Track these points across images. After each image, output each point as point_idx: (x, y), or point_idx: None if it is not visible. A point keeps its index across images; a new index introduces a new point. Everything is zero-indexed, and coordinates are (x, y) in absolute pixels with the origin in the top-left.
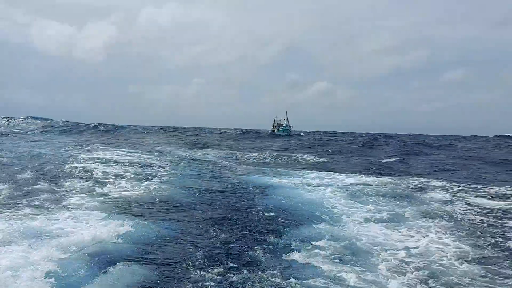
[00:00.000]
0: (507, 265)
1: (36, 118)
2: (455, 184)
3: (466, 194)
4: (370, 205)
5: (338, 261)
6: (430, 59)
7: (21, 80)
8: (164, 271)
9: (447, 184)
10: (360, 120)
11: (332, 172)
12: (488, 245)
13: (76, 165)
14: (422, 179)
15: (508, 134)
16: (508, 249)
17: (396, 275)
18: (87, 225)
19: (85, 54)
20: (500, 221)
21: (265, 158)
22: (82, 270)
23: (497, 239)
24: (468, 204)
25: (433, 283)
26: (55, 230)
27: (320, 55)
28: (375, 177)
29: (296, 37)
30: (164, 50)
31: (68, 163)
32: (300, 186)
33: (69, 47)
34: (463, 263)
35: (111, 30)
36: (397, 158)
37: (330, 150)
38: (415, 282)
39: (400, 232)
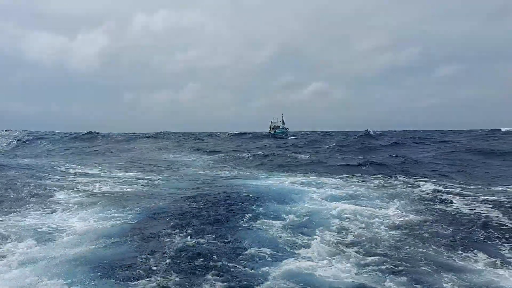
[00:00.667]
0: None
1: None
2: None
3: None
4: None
5: (293, 228)
6: (424, 55)
7: (14, 92)
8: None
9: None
10: (357, 119)
11: (314, 172)
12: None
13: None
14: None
15: (501, 128)
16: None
17: (340, 238)
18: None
19: (79, 64)
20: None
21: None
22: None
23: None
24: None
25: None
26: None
27: (314, 56)
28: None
29: (290, 39)
30: (158, 56)
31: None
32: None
33: (62, 58)
34: (396, 229)
35: (104, 39)
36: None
37: (324, 147)
38: (355, 241)
39: (359, 206)
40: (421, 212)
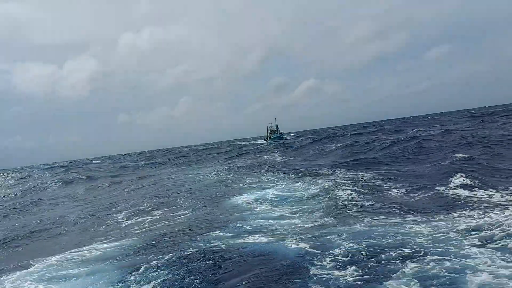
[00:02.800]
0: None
1: None
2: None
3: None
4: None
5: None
6: (412, 40)
7: (10, 127)
8: None
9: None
10: (352, 111)
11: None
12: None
13: None
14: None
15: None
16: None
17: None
18: None
19: (70, 91)
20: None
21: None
22: None
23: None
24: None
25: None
26: None
27: (302, 54)
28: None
29: (276, 41)
30: (148, 74)
31: None
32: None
33: (52, 86)
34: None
35: (92, 63)
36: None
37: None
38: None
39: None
40: None
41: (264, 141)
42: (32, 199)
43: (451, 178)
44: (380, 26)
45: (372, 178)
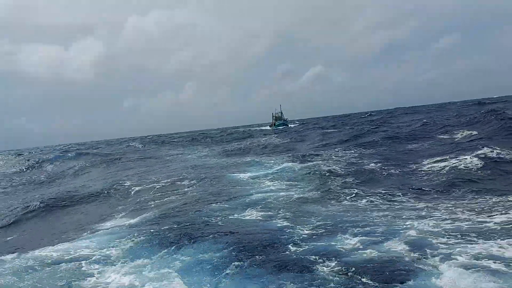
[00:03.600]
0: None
1: None
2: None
3: None
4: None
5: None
6: (422, 28)
7: (16, 108)
8: None
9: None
10: (359, 99)
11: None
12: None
13: None
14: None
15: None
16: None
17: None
18: None
19: (75, 73)
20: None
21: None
22: None
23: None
24: None
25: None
26: None
27: (310, 42)
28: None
29: (285, 26)
30: (154, 58)
31: None
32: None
33: (58, 69)
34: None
35: (98, 46)
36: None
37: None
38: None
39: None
40: None
41: (269, 128)
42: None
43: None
44: (389, 14)
45: (358, 155)
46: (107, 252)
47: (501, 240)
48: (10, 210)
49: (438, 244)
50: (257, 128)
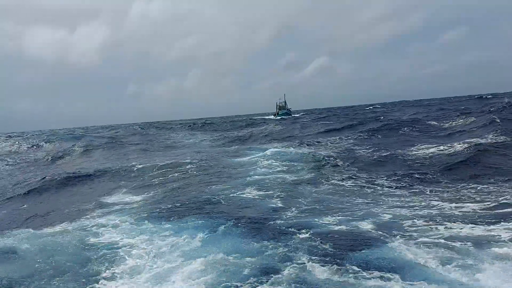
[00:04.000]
0: None
1: None
2: None
3: None
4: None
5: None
6: (428, 20)
7: (20, 91)
8: None
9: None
10: (363, 92)
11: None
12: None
13: None
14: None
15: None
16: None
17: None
18: None
19: (80, 57)
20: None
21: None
22: None
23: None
24: None
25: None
26: None
27: (314, 32)
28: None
29: (290, 15)
30: (159, 45)
31: None
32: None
33: (63, 52)
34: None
35: (103, 31)
36: None
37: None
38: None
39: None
40: None
41: (273, 116)
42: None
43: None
44: (396, 5)
45: (353, 142)
46: (118, 223)
47: (462, 224)
48: (26, 182)
49: (407, 226)
50: (260, 117)
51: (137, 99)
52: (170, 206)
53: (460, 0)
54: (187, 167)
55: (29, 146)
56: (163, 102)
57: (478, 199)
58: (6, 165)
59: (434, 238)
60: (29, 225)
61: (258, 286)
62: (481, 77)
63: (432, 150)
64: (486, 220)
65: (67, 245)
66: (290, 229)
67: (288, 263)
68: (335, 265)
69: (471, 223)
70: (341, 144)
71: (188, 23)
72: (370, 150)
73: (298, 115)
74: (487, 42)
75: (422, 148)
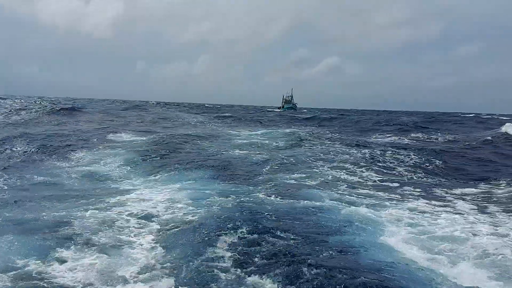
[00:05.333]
0: None
1: None
2: None
3: None
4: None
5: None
6: (445, 32)
7: (28, 57)
8: None
9: None
10: (370, 96)
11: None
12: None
13: None
14: None
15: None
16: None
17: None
18: None
19: (92, 29)
20: None
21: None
22: None
23: None
24: None
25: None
26: None
27: (329, 30)
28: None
29: (305, 12)
30: (172, 26)
31: None
32: None
33: (76, 22)
34: None
35: (118, 5)
36: None
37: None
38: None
39: None
40: None
41: (278, 110)
42: None
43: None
44: (414, 13)
45: (327, 130)
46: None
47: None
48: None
49: (338, 184)
50: (267, 110)
51: (145, 78)
52: (169, 162)
53: (479, 15)
54: (188, 133)
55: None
56: (171, 84)
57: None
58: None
59: (342, 191)
60: None
61: (220, 198)
62: (489, 96)
63: (387, 138)
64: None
65: None
66: (259, 177)
67: (247, 194)
68: (281, 198)
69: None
70: (318, 130)
71: (203, 7)
72: (336, 134)
73: (303, 111)
74: (502, 61)
75: (380, 136)
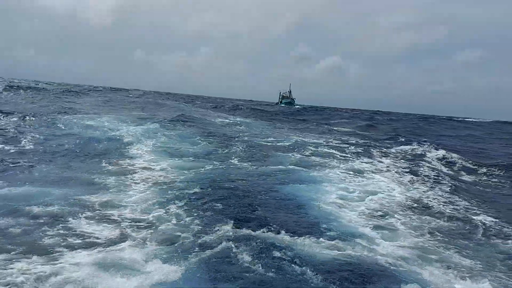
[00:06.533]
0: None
1: None
2: None
3: None
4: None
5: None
6: (448, 38)
7: (25, 40)
8: None
9: None
10: (369, 97)
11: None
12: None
13: None
14: None
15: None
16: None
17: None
18: None
19: (92, 15)
20: None
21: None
22: None
23: None
24: None
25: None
26: None
27: (333, 30)
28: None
29: (309, 11)
30: (174, 16)
31: None
32: None
33: (75, 7)
34: None
35: None
36: None
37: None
38: None
39: None
40: None
41: (276, 104)
42: None
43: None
44: (418, 18)
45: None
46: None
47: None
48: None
49: (304, 146)
50: (265, 104)
51: (143, 67)
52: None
53: (483, 22)
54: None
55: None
56: (170, 74)
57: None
58: None
59: (308, 153)
60: None
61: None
62: (488, 102)
63: (346, 127)
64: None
65: None
66: (236, 138)
67: (226, 155)
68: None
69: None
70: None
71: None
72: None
73: (297, 107)
74: (504, 69)
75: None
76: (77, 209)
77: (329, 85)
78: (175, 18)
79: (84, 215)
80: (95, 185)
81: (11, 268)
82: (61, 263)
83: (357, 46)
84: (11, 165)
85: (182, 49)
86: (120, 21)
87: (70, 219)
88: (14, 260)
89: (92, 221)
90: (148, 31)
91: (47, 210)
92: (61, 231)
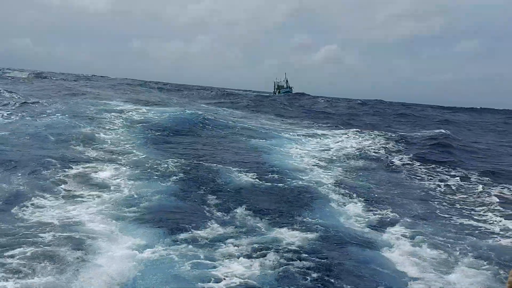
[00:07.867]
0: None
1: None
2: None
3: None
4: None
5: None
6: (446, 27)
7: (22, 29)
8: None
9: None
10: (367, 86)
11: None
12: None
13: None
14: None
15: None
16: None
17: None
18: None
19: (88, 4)
20: None
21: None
22: None
23: None
24: None
25: None
26: None
27: (332, 18)
28: None
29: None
30: (171, 4)
31: None
32: None
33: None
34: None
35: None
36: None
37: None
38: None
39: None
40: None
41: (274, 94)
42: None
43: None
44: (417, 7)
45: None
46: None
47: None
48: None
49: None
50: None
51: (140, 58)
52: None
53: (484, 13)
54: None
55: None
56: (167, 64)
57: None
58: None
59: (293, 134)
60: None
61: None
62: (486, 90)
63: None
64: None
65: None
66: (225, 121)
67: (210, 136)
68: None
69: None
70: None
71: None
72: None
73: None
74: (503, 59)
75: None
76: None
77: (327, 74)
78: (171, 7)
79: None
80: None
81: None
82: None
83: (355, 34)
84: None
85: (180, 39)
86: (118, 10)
87: None
88: None
89: None
90: (144, 21)
91: None
92: None
